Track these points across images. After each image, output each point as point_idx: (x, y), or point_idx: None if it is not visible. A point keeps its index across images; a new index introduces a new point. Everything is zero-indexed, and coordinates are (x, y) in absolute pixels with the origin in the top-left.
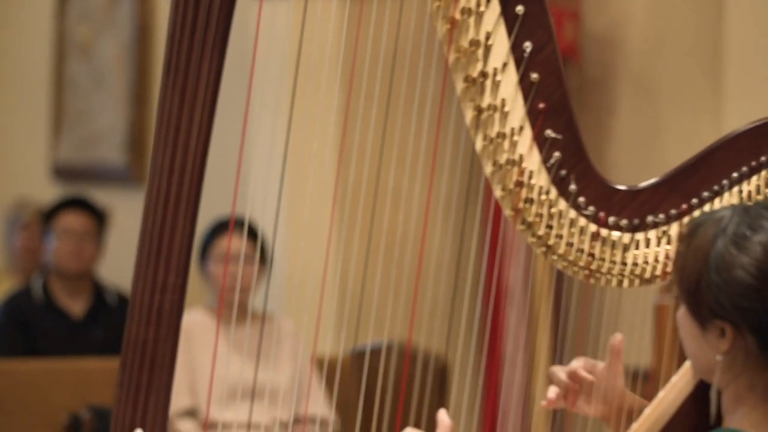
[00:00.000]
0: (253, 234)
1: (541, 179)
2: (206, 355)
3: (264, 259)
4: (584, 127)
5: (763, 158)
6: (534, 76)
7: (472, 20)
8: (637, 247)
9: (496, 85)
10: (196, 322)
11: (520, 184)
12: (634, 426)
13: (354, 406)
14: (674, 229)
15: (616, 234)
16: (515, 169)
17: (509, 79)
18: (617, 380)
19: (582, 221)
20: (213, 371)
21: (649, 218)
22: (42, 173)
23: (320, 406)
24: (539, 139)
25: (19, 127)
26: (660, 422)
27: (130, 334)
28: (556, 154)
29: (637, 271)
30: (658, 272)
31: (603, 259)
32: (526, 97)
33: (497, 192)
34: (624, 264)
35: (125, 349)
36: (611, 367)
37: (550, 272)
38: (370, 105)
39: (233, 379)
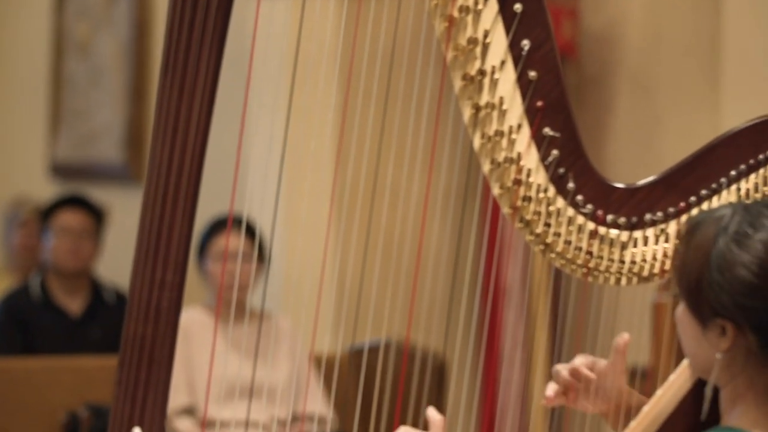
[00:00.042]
0: (251, 232)
1: (539, 177)
2: (204, 353)
3: (262, 257)
4: (582, 125)
5: (761, 156)
6: (532, 74)
7: (470, 18)
8: (635, 245)
9: (494, 83)
10: (195, 320)
11: (518, 182)
12: (633, 424)
13: (352, 403)
14: (672, 227)
15: (614, 232)
16: (513, 167)
17: (507, 77)
18: (619, 378)
19: (580, 219)
20: (211, 369)
21: (647, 216)
22: (40, 171)
23: (318, 403)
24: (537, 137)
25: (17, 124)
26: (658, 420)
27: (128, 331)
28: (554, 152)
29: (635, 269)
30: (656, 270)
31: (601, 257)
32: (524, 95)
33: (495, 190)
34: (622, 262)
35: (123, 347)
36: (614, 365)
37: (548, 270)
38: (368, 103)
39: (231, 377)
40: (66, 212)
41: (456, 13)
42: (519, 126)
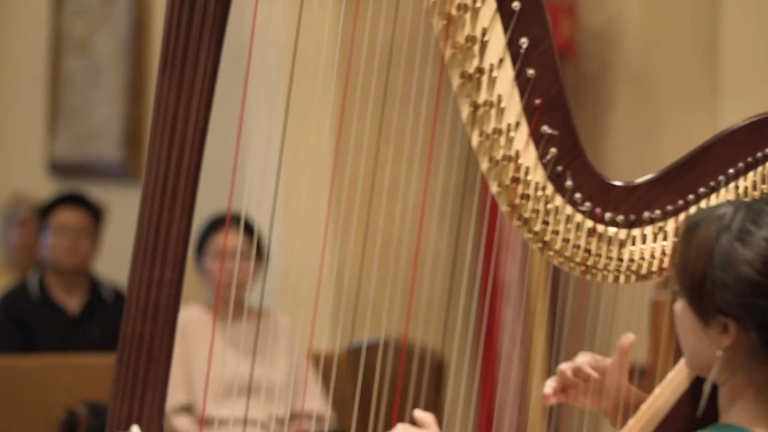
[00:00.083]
0: (249, 230)
1: (538, 175)
2: (203, 351)
3: (260, 254)
4: (581, 123)
5: (759, 154)
6: (530, 72)
7: (468, 16)
8: (633, 243)
9: (492, 81)
10: (193, 318)
11: (516, 180)
12: (631, 422)
13: (350, 401)
14: (670, 225)
15: (612, 230)
16: (511, 165)
17: (505, 75)
18: (622, 377)
19: (578, 217)
20: (209, 367)
21: (646, 214)
22: (38, 169)
23: (316, 401)
24: (536, 136)
25: (16, 123)
26: (656, 418)
27: (127, 329)
28: (553, 150)
29: (634, 267)
30: (654, 268)
31: (599, 255)
32: (522, 93)
33: (493, 188)
34: (620, 260)
35: (122, 344)
36: (617, 364)
37: (546, 268)
38: (367, 100)
39: (229, 375)
40: (64, 210)
41: (454, 11)
42: (517, 124)
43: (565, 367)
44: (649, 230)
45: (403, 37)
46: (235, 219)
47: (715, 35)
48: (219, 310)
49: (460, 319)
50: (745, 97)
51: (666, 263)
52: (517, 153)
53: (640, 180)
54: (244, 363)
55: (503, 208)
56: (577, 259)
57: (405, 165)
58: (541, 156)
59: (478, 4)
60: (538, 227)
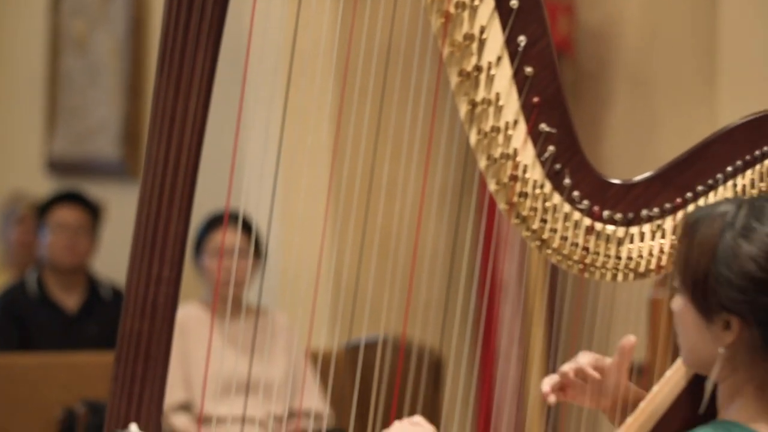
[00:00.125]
0: (247, 228)
1: (536, 173)
2: (201, 349)
3: (258, 253)
4: (579, 121)
5: (757, 152)
6: (528, 70)
7: (466, 14)
8: (631, 241)
9: (490, 79)
10: (191, 316)
11: (514, 178)
12: (629, 420)
13: (348, 400)
14: (669, 223)
15: (610, 228)
16: (509, 163)
17: (503, 73)
18: (621, 377)
19: (576, 215)
20: (207, 365)
21: (644, 212)
22: (37, 167)
23: (315, 400)
24: (534, 133)
25: (14, 121)
26: (655, 416)
27: (125, 327)
28: (551, 148)
29: (632, 265)
30: (652, 266)
31: (597, 253)
32: (520, 91)
33: (491, 186)
34: (618, 258)
35: (120, 342)
36: (617, 365)
37: (544, 266)
38: (365, 99)
39: (228, 374)
40: (62, 208)
41: (452, 9)
42: (515, 122)
43: (567, 368)
44: (647, 228)
45: (401, 35)
46: (233, 217)
47: (714, 33)
48: (217, 309)
49: (459, 317)
50: (743, 96)
51: (664, 261)
52: (515, 151)
53: (638, 178)
54: (242, 361)
55: (501, 206)
56: (576, 257)
57: (403, 163)
58: (539, 154)
59: (476, 2)
60: (536, 225)
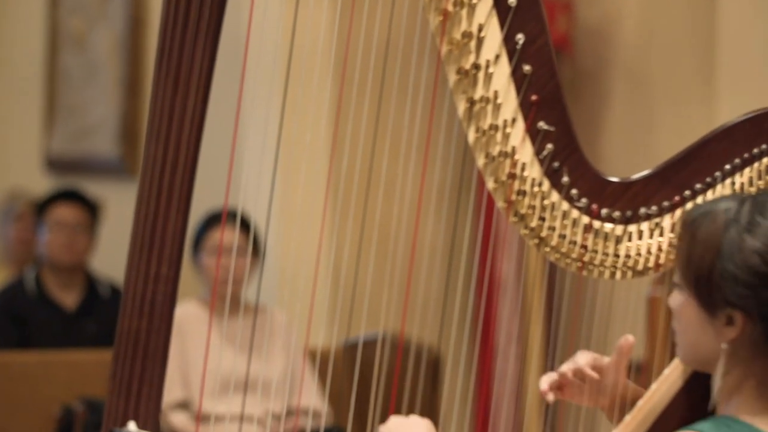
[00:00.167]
0: (245, 226)
1: (534, 171)
2: (199, 347)
3: (257, 251)
4: (577, 119)
5: (755, 150)
6: (526, 68)
7: (464, 12)
8: (629, 239)
9: (488, 77)
10: (189, 315)
11: (512, 176)
12: (627, 418)
13: (347, 397)
14: (667, 221)
15: (608, 226)
16: (508, 161)
17: (502, 71)
18: (619, 376)
19: (575, 213)
20: (206, 363)
21: (642, 210)
22: (35, 165)
23: (313, 398)
24: (532, 131)
25: (13, 118)
26: (653, 414)
27: (123, 325)
28: (549, 146)
29: (630, 263)
30: (650, 264)
31: (596, 251)
32: (518, 89)
33: (490, 184)
34: (617, 256)
35: (118, 340)
36: (615, 364)
37: (542, 264)
38: (363, 96)
39: (226, 372)
40: (61, 206)
41: (450, 7)
42: (513, 120)
43: (565, 368)
44: (645, 226)
45: (400, 33)
46: (232, 215)
47: (712, 31)
48: (215, 307)
49: (457, 315)
50: (741, 93)
51: (662, 259)
52: (514, 149)
53: (636, 176)
54: (240, 359)
55: (500, 204)
56: (574, 255)
57: (402, 161)
58: (538, 152)
59: (474, 0)
60: (534, 223)
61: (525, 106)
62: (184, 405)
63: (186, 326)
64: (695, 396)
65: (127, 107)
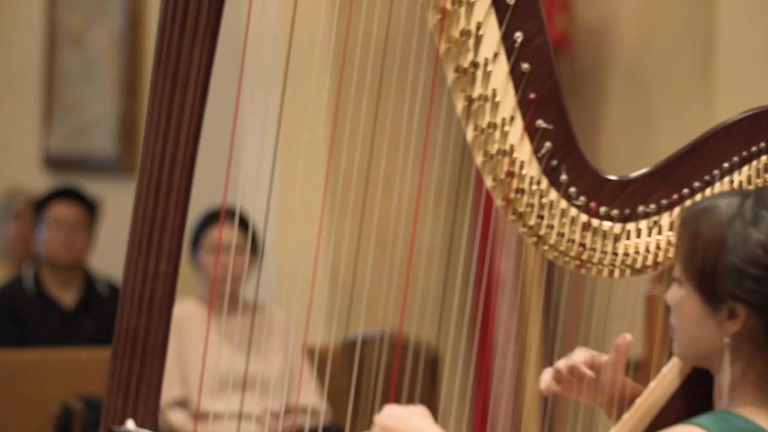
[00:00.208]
0: (244, 224)
1: (532, 169)
2: (197, 345)
3: (255, 249)
4: (575, 117)
5: (754, 148)
6: (525, 66)
7: (463, 10)
8: (628, 237)
9: (487, 75)
10: (188, 313)
11: (511, 174)
12: (626, 416)
13: (345, 396)
14: (665, 219)
15: (607, 224)
16: (506, 160)
17: (500, 70)
18: (617, 375)
19: (573, 211)
20: (204, 361)
21: (640, 208)
22: (33, 163)
23: (311, 396)
24: (530, 130)
25: (11, 117)
26: (651, 413)
27: (122, 323)
28: (547, 144)
29: (628, 261)
30: (649, 262)
31: (594, 250)
32: (517, 88)
33: (488, 182)
34: (615, 254)
35: (116, 338)
36: (613, 363)
37: (541, 262)
38: (361, 94)
39: (224, 370)
40: (59, 204)
41: (449, 5)
42: (512, 118)
43: (561, 365)
44: (643, 224)
45: (398, 31)
46: (230, 213)
47: (710, 30)
48: (214, 305)
49: (455, 314)
50: (740, 92)
51: (661, 257)
52: (512, 147)
53: (634, 174)
54: (238, 357)
55: (498, 202)
56: (572, 254)
57: (400, 159)
58: (536, 150)
59: None
60: (532, 221)
61: (523, 104)
62: (182, 403)
63: (184, 324)
64: (693, 394)
65: (125, 105)
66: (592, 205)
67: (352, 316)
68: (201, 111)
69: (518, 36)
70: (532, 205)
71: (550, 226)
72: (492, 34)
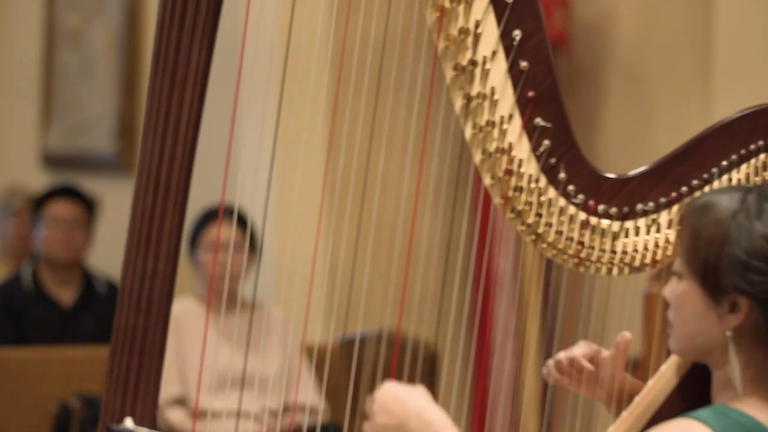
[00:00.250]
0: (242, 222)
1: (531, 168)
2: (196, 343)
3: (253, 247)
4: (574, 115)
5: (752, 146)
6: (523, 64)
7: (461, 8)
8: (626, 236)
9: (485, 73)
10: (186, 311)
11: (509, 172)
12: (624, 414)
13: (343, 394)
14: (664, 217)
15: (605, 222)
16: (505, 158)
17: (498, 68)
18: (617, 371)
19: (571, 209)
20: (203, 359)
21: (639, 206)
22: (32, 162)
23: (310, 394)
24: (529, 128)
25: (10, 115)
26: (649, 410)
27: (120, 321)
28: (546, 142)
29: (627, 259)
30: (647, 260)
31: (592, 248)
32: (515, 86)
33: (487, 180)
34: (613, 252)
35: (115, 336)
36: (613, 360)
37: (539, 261)
38: (360, 93)
39: (223, 368)
40: (57, 202)
41: (447, 4)
42: (510, 116)
43: (561, 356)
44: (642, 222)
45: (397, 30)
46: (229, 211)
47: (709, 28)
48: (212, 303)
49: (454, 312)
50: (738, 90)
51: (659, 255)
52: (510, 145)
53: (633, 172)
54: (237, 355)
55: (496, 200)
56: (571, 252)
57: (398, 158)
58: (535, 148)
59: None
60: (531, 219)
61: (522, 102)
62: (181, 401)
63: (183, 322)
64: (692, 391)
65: (123, 104)
66: (591, 203)
67: (351, 314)
68: (199, 109)
69: (517, 34)
70: (530, 203)
71: (549, 224)
72: (490, 32)
